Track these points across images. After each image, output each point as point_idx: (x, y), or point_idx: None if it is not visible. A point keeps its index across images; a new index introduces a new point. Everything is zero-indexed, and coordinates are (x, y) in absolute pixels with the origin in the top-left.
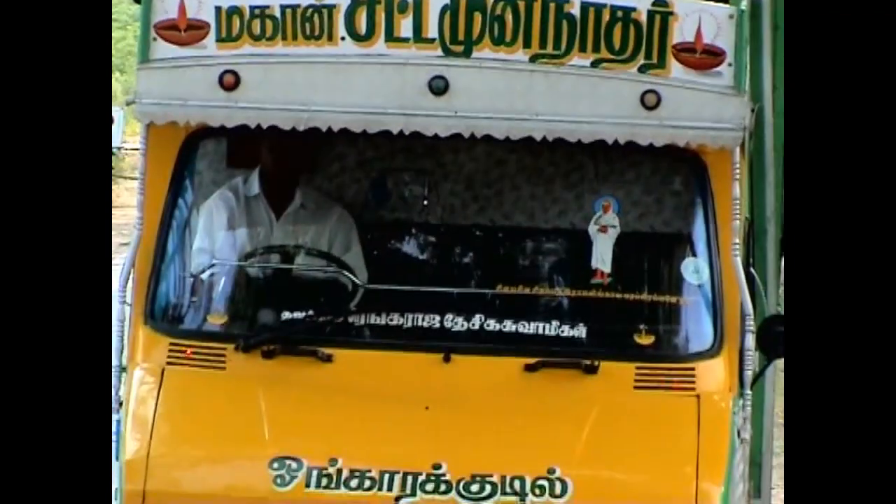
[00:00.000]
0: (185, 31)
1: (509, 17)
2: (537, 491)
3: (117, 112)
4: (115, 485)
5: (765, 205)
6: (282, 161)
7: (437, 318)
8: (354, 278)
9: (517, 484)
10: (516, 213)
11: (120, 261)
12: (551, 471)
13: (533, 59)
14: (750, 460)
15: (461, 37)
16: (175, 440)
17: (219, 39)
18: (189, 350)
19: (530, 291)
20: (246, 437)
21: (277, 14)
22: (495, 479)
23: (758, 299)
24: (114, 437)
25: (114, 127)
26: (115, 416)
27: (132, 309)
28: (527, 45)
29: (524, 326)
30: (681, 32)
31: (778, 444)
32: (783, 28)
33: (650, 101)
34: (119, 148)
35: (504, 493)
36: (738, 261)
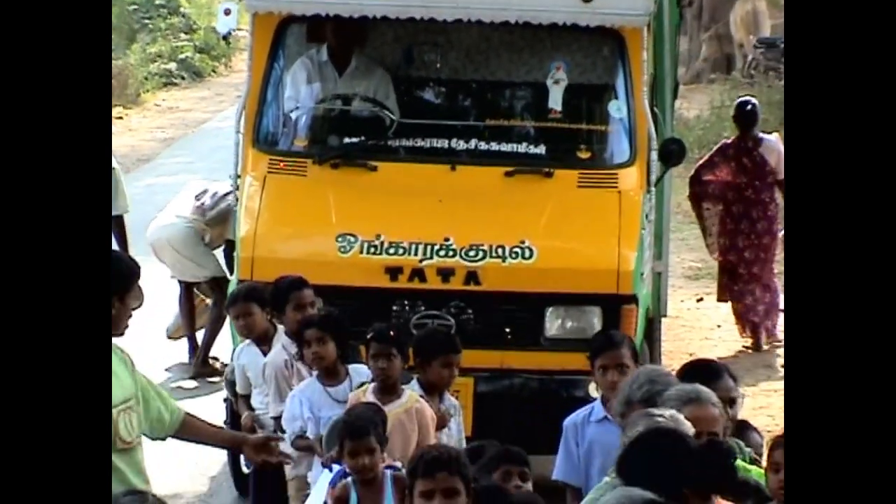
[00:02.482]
0: None
1: None
2: (514, 255)
3: (233, 5)
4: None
5: (664, 64)
6: (342, 38)
7: (446, 141)
8: (391, 115)
9: (500, 250)
10: (499, 71)
11: (237, 106)
12: (522, 241)
13: None
14: (654, 234)
15: None
16: (273, 223)
17: None
18: (282, 163)
19: (507, 123)
20: (320, 220)
21: None
22: (485, 247)
23: (659, 127)
24: (236, 226)
25: (230, 16)
26: (234, 209)
27: (244, 137)
28: None
29: (504, 146)
30: None
31: None
32: None
33: None
34: (237, 30)
35: (491, 256)
36: (646, 102)
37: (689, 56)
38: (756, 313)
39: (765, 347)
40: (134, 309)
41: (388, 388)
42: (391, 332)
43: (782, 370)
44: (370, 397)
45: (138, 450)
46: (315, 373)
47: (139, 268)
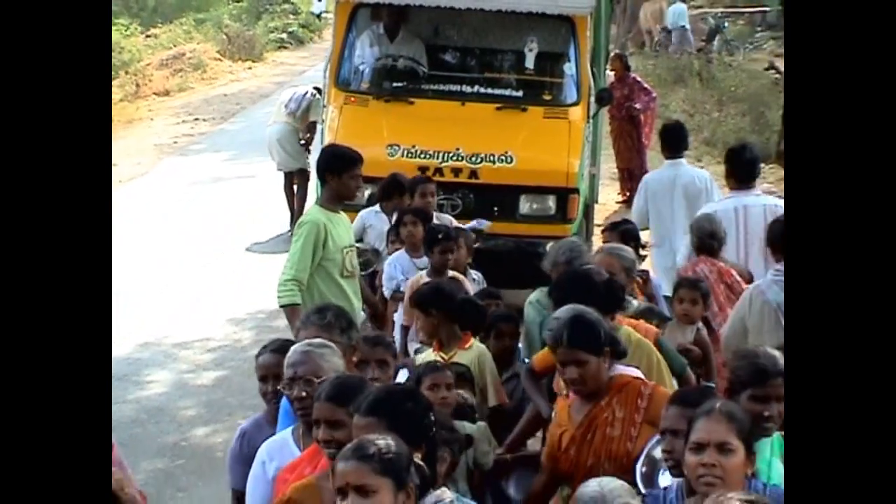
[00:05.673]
0: None
1: None
2: (500, 160)
3: None
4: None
5: (600, 40)
6: (393, 17)
7: (459, 86)
8: (423, 69)
9: (492, 157)
10: (494, 42)
11: (325, 61)
12: (506, 152)
13: None
14: (592, 149)
15: None
16: (346, 136)
17: None
18: (353, 98)
19: (498, 76)
20: (376, 135)
21: None
22: (483, 154)
23: (596, 81)
24: (318, 139)
25: (322, 2)
26: (320, 127)
27: (329, 81)
28: None
29: (496, 91)
30: None
31: None
32: None
33: None
34: (326, 12)
35: (486, 161)
36: (588, 64)
37: (616, 36)
38: (632, 174)
39: None
40: (354, 188)
41: (442, 274)
42: (453, 232)
43: None
44: (427, 279)
45: (356, 279)
46: (404, 247)
47: (359, 156)
